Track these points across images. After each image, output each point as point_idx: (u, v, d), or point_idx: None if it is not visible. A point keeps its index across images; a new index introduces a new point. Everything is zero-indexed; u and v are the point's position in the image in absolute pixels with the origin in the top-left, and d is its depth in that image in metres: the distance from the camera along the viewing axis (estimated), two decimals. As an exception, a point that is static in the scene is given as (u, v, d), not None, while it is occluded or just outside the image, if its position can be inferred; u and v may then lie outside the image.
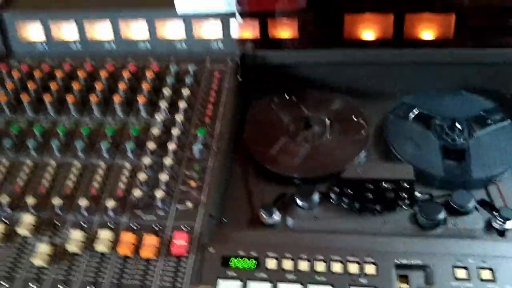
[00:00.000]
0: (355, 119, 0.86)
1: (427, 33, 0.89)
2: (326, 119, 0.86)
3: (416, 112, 0.86)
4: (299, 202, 0.74)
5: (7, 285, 0.68)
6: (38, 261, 0.69)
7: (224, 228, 0.75)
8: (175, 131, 0.80)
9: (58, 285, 0.67)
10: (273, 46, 0.93)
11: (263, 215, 0.74)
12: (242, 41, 0.93)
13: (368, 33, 0.91)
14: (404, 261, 0.65)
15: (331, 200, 0.74)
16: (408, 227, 0.71)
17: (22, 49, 1.01)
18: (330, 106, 0.90)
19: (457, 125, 0.83)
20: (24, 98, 0.88)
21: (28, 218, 0.74)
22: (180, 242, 0.68)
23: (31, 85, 0.90)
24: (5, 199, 0.75)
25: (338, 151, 0.82)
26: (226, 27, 0.93)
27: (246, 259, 0.67)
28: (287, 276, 0.65)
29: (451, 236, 0.69)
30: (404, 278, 0.65)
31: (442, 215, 0.70)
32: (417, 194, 0.73)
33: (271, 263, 0.67)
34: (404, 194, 0.72)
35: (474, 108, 0.86)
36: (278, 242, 0.70)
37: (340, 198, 0.74)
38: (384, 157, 0.83)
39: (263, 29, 0.92)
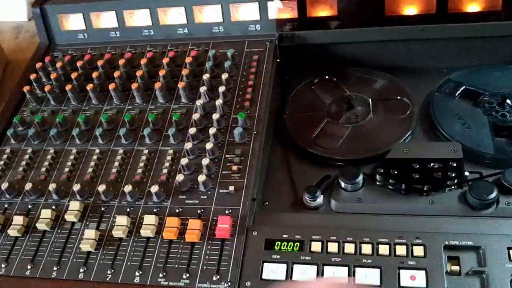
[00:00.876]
0: (399, 98, 0.83)
1: (472, 6, 0.85)
2: (369, 99, 0.84)
3: (463, 89, 0.83)
4: (343, 184, 0.73)
5: (56, 269, 0.70)
6: (85, 247, 0.71)
7: (267, 212, 0.74)
8: (215, 116, 0.79)
9: (105, 269, 0.69)
10: (312, 26, 0.91)
11: (307, 198, 0.73)
12: (280, 22, 0.91)
13: (410, 9, 0.88)
14: (455, 242, 0.63)
15: (376, 181, 0.73)
16: (458, 207, 0.68)
17: (64, 40, 1.03)
18: (373, 85, 0.87)
19: (508, 101, 0.79)
20: (68, 87, 0.89)
21: (75, 205, 0.75)
22: (223, 225, 0.68)
23: (74, 75, 0.91)
24: (52, 186, 0.77)
25: (382, 132, 0.80)
26: (263, 9, 0.92)
27: (290, 242, 0.67)
28: (332, 259, 0.64)
29: (504, 216, 0.66)
30: (454, 260, 0.62)
31: (494, 194, 0.67)
32: (466, 173, 0.71)
33: (315, 246, 0.66)
34: (452, 174, 0.69)
35: (525, 82, 0.82)
36: (322, 224, 0.69)
37: (386, 179, 0.72)
38: (430, 137, 0.80)
39: (301, 9, 0.90)
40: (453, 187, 0.70)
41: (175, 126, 0.81)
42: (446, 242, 0.63)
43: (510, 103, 0.79)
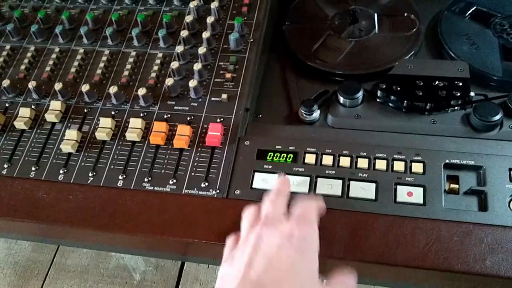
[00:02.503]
0: (406, 15, 0.78)
1: None
2: (375, 14, 0.79)
3: (474, 9, 0.78)
4: (341, 99, 0.69)
5: (34, 169, 0.66)
6: (66, 147, 0.67)
7: (261, 123, 0.71)
8: (210, 19, 0.74)
9: (87, 172, 0.65)
10: None
11: (303, 111, 0.69)
12: None
13: None
14: (455, 161, 0.60)
15: (376, 98, 0.69)
16: (460, 128, 0.65)
17: None
18: (379, 0, 0.82)
19: (520, 24, 0.75)
20: (51, -18, 0.83)
21: (56, 105, 0.71)
22: (214, 133, 0.65)
23: (58, -30, 0.84)
24: (32, 84, 0.72)
25: (387, 48, 0.75)
26: None
27: (283, 153, 0.64)
28: (327, 171, 0.61)
29: (508, 140, 0.63)
30: (454, 179, 0.60)
31: (498, 116, 0.63)
32: (472, 94, 0.67)
33: (310, 158, 0.63)
34: (457, 93, 0.66)
35: (540, 6, 0.77)
36: (318, 137, 0.66)
37: (387, 95, 0.68)
38: (436, 56, 0.76)
39: None
40: (456, 107, 0.67)
41: (166, 28, 0.76)
42: (447, 160, 0.60)
43: (522, 26, 0.75)
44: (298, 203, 0.55)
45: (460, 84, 0.67)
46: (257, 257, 0.49)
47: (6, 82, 0.73)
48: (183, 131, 0.65)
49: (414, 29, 0.76)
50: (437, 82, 0.67)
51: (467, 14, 0.78)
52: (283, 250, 0.50)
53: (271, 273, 0.48)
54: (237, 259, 0.51)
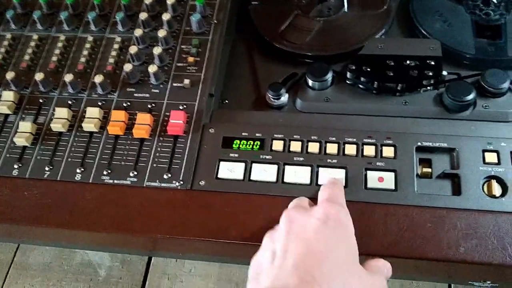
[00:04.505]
0: (376, -8, 0.75)
1: None
2: (344, -9, 0.76)
3: (446, -15, 0.75)
4: (310, 82, 0.66)
5: (-14, 164, 0.63)
6: (20, 140, 0.63)
7: (226, 109, 0.67)
8: (170, 0, 0.70)
9: (43, 166, 0.61)
10: None
11: (270, 96, 0.66)
12: None
13: None
14: (428, 144, 0.58)
15: (346, 80, 0.66)
16: (433, 109, 0.62)
17: None
18: (348, -23, 0.79)
19: (493, -1, 0.73)
20: (0, -37, 0.77)
21: (8, 95, 0.66)
22: (176, 121, 0.61)
23: (8, -50, 0.79)
24: (-18, 74, 0.68)
25: (356, 27, 0.72)
26: None
27: (250, 140, 0.61)
28: (295, 158, 0.59)
29: (481, 120, 0.61)
30: (426, 163, 0.58)
31: (471, 96, 0.61)
32: (444, 73, 0.65)
33: (277, 145, 0.60)
34: (429, 73, 0.63)
35: (513, -20, 0.75)
36: (285, 123, 0.63)
37: (357, 77, 0.65)
38: (407, 35, 0.73)
39: None
40: (429, 87, 0.64)
41: (124, 11, 0.71)
42: (419, 143, 0.58)
43: (495, 1, 0.72)
44: (322, 188, 0.53)
45: (432, 63, 0.64)
46: (292, 241, 0.47)
47: (-47, 72, 0.68)
48: (144, 120, 0.62)
49: (385, 7, 0.73)
50: (408, 62, 0.64)
51: (439, -10, 0.75)
52: (320, 233, 0.47)
53: (309, 256, 0.45)
54: (272, 246, 0.49)
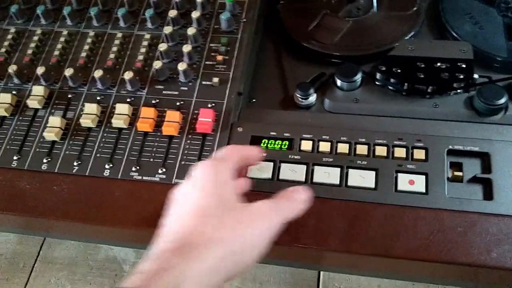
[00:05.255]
0: (406, -7, 0.74)
1: None
2: (373, -9, 0.75)
3: (478, -13, 0.74)
4: (339, 82, 0.66)
5: (16, 158, 0.63)
6: (50, 135, 0.63)
7: (254, 108, 0.67)
8: (200, -2, 0.70)
9: (72, 161, 0.62)
10: None
11: (298, 95, 0.66)
12: None
13: None
14: (459, 147, 0.57)
15: (375, 80, 0.66)
16: (463, 112, 0.62)
17: None
18: (378, -23, 0.78)
19: (526, 2, 0.71)
20: (31, -41, 0.78)
21: (38, 90, 0.67)
22: (205, 119, 0.61)
23: None
24: (13, 68, 0.68)
25: (386, 28, 0.71)
26: None
27: (278, 140, 0.61)
28: (324, 159, 0.58)
29: (513, 124, 0.60)
30: (457, 167, 0.57)
31: (503, 99, 0.60)
32: (475, 76, 0.64)
33: (306, 145, 0.60)
34: (460, 76, 0.63)
35: (546, -17, 0.74)
36: (313, 123, 0.62)
37: (387, 78, 0.65)
38: (437, 37, 0.72)
39: None
40: (459, 90, 0.63)
41: (154, 8, 0.72)
42: (450, 147, 0.57)
43: (528, 4, 0.71)
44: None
45: (463, 65, 0.63)
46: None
47: (-15, 67, 0.69)
48: (173, 117, 0.62)
49: (415, 8, 0.73)
50: (439, 64, 0.64)
51: (470, -8, 0.74)
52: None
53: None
54: None
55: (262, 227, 0.46)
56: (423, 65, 0.64)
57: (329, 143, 0.59)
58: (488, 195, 0.55)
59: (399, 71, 0.64)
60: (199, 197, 0.47)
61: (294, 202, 0.50)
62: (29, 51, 0.72)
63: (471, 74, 0.63)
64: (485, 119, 0.61)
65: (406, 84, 0.64)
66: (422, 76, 0.63)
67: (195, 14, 0.68)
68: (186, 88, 0.66)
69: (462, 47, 0.65)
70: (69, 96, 0.67)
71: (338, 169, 0.58)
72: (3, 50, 0.72)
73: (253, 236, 0.46)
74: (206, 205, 0.46)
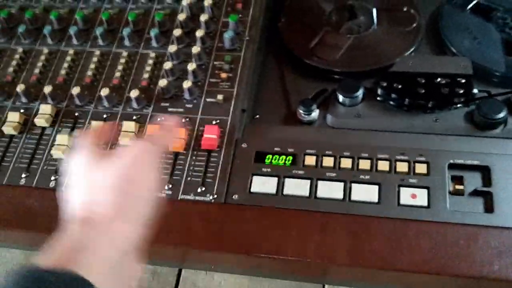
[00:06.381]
0: (406, 9, 0.76)
1: None
2: (373, 8, 0.76)
3: (475, 3, 0.76)
4: (341, 98, 0.67)
5: (24, 176, 0.64)
6: (57, 153, 0.64)
7: (258, 124, 0.69)
8: (204, 17, 0.71)
9: (80, 178, 0.63)
10: None
11: (301, 111, 0.67)
12: None
13: None
14: (460, 161, 0.58)
15: (377, 96, 0.67)
16: (464, 126, 0.63)
17: None
18: (377, -6, 0.80)
19: (523, 17, 0.73)
20: (38, -20, 0.80)
21: (46, 108, 0.68)
22: (210, 136, 0.63)
23: (44, -32, 0.82)
24: (21, 88, 0.69)
25: (386, 44, 0.73)
26: None
27: (282, 155, 0.62)
28: (327, 173, 0.60)
29: (512, 137, 0.61)
30: (458, 180, 0.58)
31: (502, 113, 0.62)
32: (475, 91, 0.65)
33: (310, 160, 0.61)
34: (460, 90, 0.64)
35: (542, -1, 0.75)
36: (317, 139, 0.64)
37: (388, 93, 0.66)
38: (437, 52, 0.73)
39: None
40: (459, 105, 0.65)
41: (158, 27, 0.73)
42: (451, 161, 0.58)
43: (525, 19, 0.73)
44: None
45: (463, 80, 0.65)
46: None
47: (-7, 86, 0.70)
48: (179, 134, 0.63)
49: (414, 24, 0.74)
50: (439, 79, 0.65)
51: (468, 8, 0.76)
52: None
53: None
54: None
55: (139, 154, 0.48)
56: (423, 81, 0.65)
57: (332, 158, 0.61)
58: (489, 208, 0.56)
59: (399, 86, 0.65)
60: (84, 186, 0.47)
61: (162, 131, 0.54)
62: (36, 70, 0.73)
63: (470, 89, 0.65)
64: (485, 133, 0.62)
65: (407, 99, 0.65)
66: (423, 91, 0.64)
67: (199, 33, 0.70)
68: (191, 106, 0.67)
69: (461, 63, 0.67)
70: (76, 114, 0.69)
71: (342, 184, 0.59)
72: (11, 69, 0.74)
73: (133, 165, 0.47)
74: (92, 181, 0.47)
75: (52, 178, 0.64)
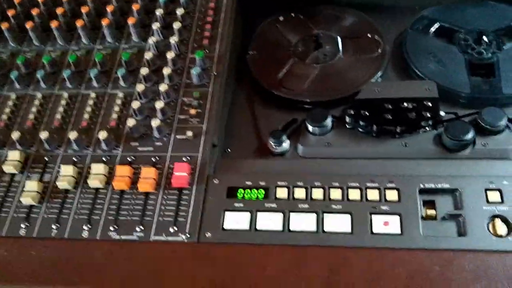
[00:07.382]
0: (370, 36, 0.77)
1: None
2: (338, 37, 0.78)
3: (438, 26, 0.77)
4: (310, 127, 0.67)
5: (-6, 225, 0.63)
6: (27, 200, 0.63)
7: (229, 159, 0.68)
8: (170, 55, 0.72)
9: (50, 224, 0.62)
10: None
11: (272, 143, 0.67)
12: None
13: None
14: (430, 185, 0.59)
15: (345, 124, 0.67)
16: (433, 149, 0.63)
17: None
18: (342, 22, 0.81)
19: (484, 38, 0.74)
20: (4, 26, 0.80)
21: (14, 155, 0.67)
22: (180, 173, 0.62)
23: (11, 12, 0.81)
24: (-12, 135, 0.69)
25: (352, 72, 0.74)
26: None
27: (254, 189, 0.61)
28: (299, 205, 0.59)
29: (481, 158, 0.62)
30: (430, 204, 0.58)
31: (470, 134, 0.62)
32: (442, 113, 0.66)
33: (281, 193, 0.60)
34: (427, 114, 0.65)
35: (502, 18, 0.77)
36: (288, 170, 0.64)
37: (356, 121, 0.66)
38: (403, 77, 0.74)
39: None
40: (427, 128, 0.65)
41: (126, 67, 0.73)
42: (421, 185, 0.58)
43: (487, 40, 0.74)
44: None
45: (429, 104, 0.65)
46: None
47: (-40, 135, 0.69)
48: (148, 174, 0.63)
49: (379, 50, 0.75)
50: (405, 104, 0.66)
51: (431, 32, 0.77)
52: None
53: None
54: None
55: None
56: (390, 106, 0.66)
57: (304, 189, 0.60)
58: (462, 231, 0.55)
59: (367, 114, 0.66)
60: None
61: None
62: (4, 116, 0.72)
63: (437, 111, 0.65)
64: (454, 155, 0.63)
65: (375, 126, 0.65)
66: (390, 117, 0.65)
67: (166, 71, 0.70)
68: (160, 144, 0.66)
69: (427, 86, 0.67)
70: (45, 158, 0.68)
71: (314, 215, 0.58)
72: (-23, 117, 0.73)
73: None
74: None
75: (22, 225, 0.62)
